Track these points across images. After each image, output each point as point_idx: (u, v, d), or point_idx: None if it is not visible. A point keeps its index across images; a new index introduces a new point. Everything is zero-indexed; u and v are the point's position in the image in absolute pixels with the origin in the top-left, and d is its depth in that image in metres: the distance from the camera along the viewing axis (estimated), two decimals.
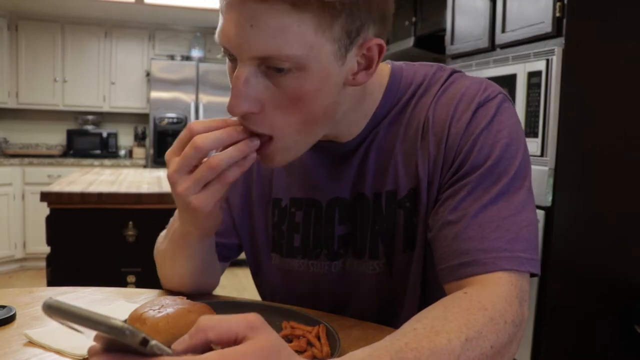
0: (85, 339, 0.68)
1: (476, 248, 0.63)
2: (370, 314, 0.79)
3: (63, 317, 0.37)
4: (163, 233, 0.86)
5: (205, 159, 0.61)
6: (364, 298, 0.79)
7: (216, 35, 0.61)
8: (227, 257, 0.89)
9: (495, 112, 0.68)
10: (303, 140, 0.66)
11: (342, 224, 0.77)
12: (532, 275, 0.65)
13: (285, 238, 0.81)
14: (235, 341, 0.42)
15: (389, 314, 0.79)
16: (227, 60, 0.64)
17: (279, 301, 0.84)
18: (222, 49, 0.62)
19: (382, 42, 0.63)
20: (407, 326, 0.53)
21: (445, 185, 0.69)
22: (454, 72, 0.75)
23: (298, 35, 0.56)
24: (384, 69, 0.75)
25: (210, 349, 0.42)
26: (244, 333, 0.42)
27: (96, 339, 0.41)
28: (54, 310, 0.37)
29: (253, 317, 0.43)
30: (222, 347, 0.42)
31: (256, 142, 0.62)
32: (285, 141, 0.64)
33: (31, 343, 0.68)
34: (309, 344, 0.65)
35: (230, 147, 0.61)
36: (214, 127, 0.61)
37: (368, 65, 0.64)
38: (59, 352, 0.66)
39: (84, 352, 0.65)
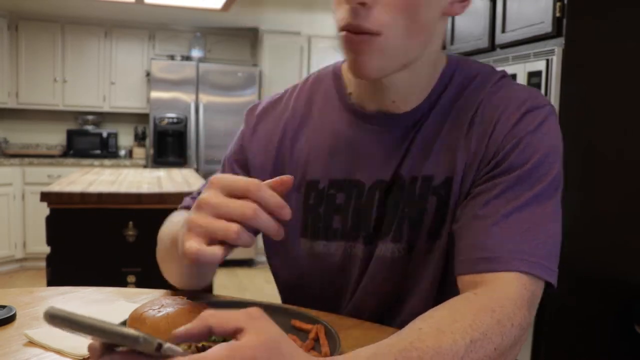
0: (85, 339, 0.68)
1: (499, 246, 0.63)
2: (377, 300, 0.79)
3: (69, 327, 0.36)
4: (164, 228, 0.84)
5: None
6: (376, 282, 0.78)
7: None
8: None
9: (543, 120, 0.69)
10: (402, 51, 0.67)
11: (379, 207, 0.76)
12: (549, 287, 0.65)
13: (323, 220, 0.80)
14: (235, 331, 0.42)
15: (393, 305, 0.79)
16: None
17: (303, 287, 0.84)
18: None
19: None
20: (412, 325, 0.53)
21: (479, 180, 0.69)
22: (505, 75, 0.77)
23: None
24: (443, 56, 0.77)
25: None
26: (244, 324, 0.42)
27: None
28: (59, 321, 0.36)
29: (253, 309, 0.44)
30: (222, 339, 0.42)
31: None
32: (390, 41, 0.65)
33: (31, 343, 0.68)
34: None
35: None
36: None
37: None
38: (59, 352, 0.66)
39: (84, 352, 0.65)
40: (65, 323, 0.36)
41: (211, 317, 0.43)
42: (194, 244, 0.53)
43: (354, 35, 0.65)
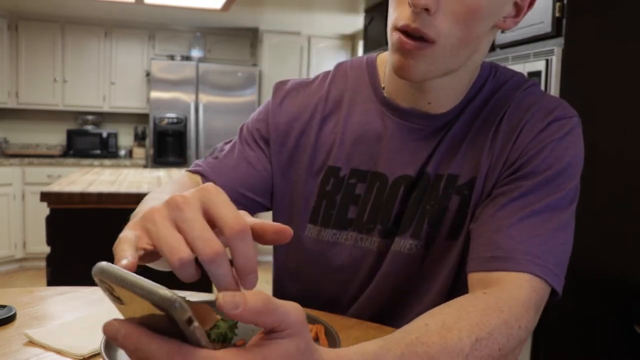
0: (86, 338, 0.68)
1: (513, 247, 0.64)
2: (386, 297, 0.78)
3: (114, 282, 0.36)
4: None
5: None
6: (388, 278, 0.78)
7: None
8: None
9: (569, 131, 0.70)
10: (450, 60, 0.68)
11: (402, 202, 0.77)
12: (553, 296, 0.65)
13: (337, 209, 0.79)
14: (273, 330, 0.37)
15: (404, 305, 0.79)
16: None
17: (303, 274, 0.83)
18: None
19: None
20: (419, 321, 0.53)
21: (501, 182, 0.70)
22: (536, 83, 0.78)
23: None
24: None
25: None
26: (286, 326, 0.37)
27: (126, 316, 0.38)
28: (106, 275, 0.36)
29: (299, 312, 0.38)
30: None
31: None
32: (442, 50, 0.65)
33: (31, 343, 0.68)
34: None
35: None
36: None
37: (517, 13, 0.70)
38: (59, 352, 0.65)
39: (84, 352, 0.65)
40: (109, 278, 0.36)
41: (266, 310, 0.36)
42: (127, 238, 0.46)
43: (409, 40, 0.65)
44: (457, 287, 0.75)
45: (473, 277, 0.66)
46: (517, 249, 0.63)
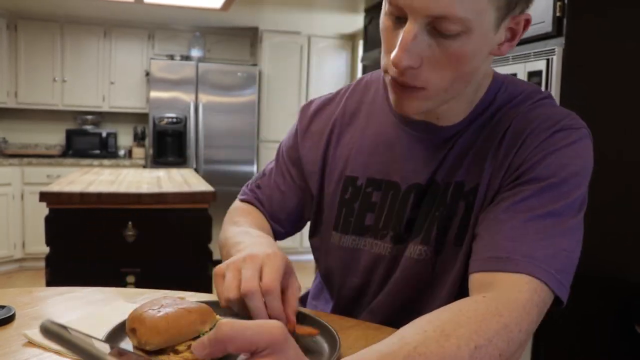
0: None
1: (514, 248, 0.63)
2: (397, 304, 0.80)
3: (58, 343, 0.37)
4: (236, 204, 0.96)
5: None
6: (400, 284, 0.80)
7: None
8: (282, 235, 0.95)
9: (576, 140, 0.70)
10: (446, 96, 0.70)
11: (413, 209, 0.79)
12: (557, 303, 0.64)
13: (355, 216, 0.83)
14: (254, 353, 0.42)
15: (412, 310, 0.79)
16: (384, 19, 0.68)
17: (329, 279, 0.90)
18: (388, 8, 0.66)
19: (529, 17, 0.67)
20: (417, 325, 0.53)
21: (504, 188, 0.71)
22: (549, 96, 0.78)
23: (473, 1, 0.60)
24: (490, 71, 0.79)
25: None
26: (265, 346, 0.42)
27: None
28: (51, 335, 0.37)
29: (276, 330, 0.44)
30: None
31: None
32: (434, 92, 0.68)
33: (30, 343, 0.68)
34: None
35: None
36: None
37: (512, 37, 0.69)
38: (58, 352, 0.65)
39: None
40: (54, 338, 0.37)
41: (230, 342, 0.43)
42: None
43: (400, 86, 0.68)
44: (461, 293, 0.74)
45: (474, 278, 0.66)
46: (517, 250, 0.63)
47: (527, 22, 0.68)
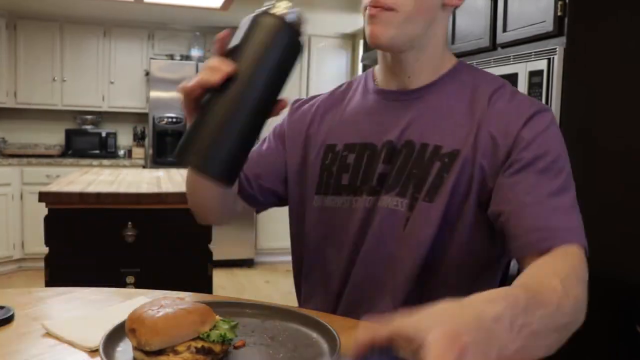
0: (96, 332, 0.68)
1: (555, 225, 0.74)
2: (380, 256, 0.86)
3: None
4: None
5: None
6: (378, 237, 0.86)
7: None
8: (258, 201, 0.99)
9: (550, 123, 0.81)
10: (409, 25, 0.82)
11: (384, 164, 0.88)
12: None
13: (334, 178, 0.92)
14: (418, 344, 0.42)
15: (390, 267, 0.86)
16: None
17: (311, 244, 0.96)
18: None
19: None
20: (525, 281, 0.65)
21: (507, 172, 0.78)
22: (508, 83, 0.89)
23: None
24: (452, 56, 0.92)
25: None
26: (422, 332, 0.41)
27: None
28: None
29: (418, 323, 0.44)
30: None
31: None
32: (400, 16, 0.80)
33: (31, 342, 0.68)
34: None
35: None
36: None
37: None
38: (70, 344, 0.68)
39: (92, 344, 0.67)
40: None
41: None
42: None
43: (374, 8, 0.80)
44: (434, 256, 0.83)
45: (525, 262, 0.73)
46: (560, 226, 0.74)
47: None
